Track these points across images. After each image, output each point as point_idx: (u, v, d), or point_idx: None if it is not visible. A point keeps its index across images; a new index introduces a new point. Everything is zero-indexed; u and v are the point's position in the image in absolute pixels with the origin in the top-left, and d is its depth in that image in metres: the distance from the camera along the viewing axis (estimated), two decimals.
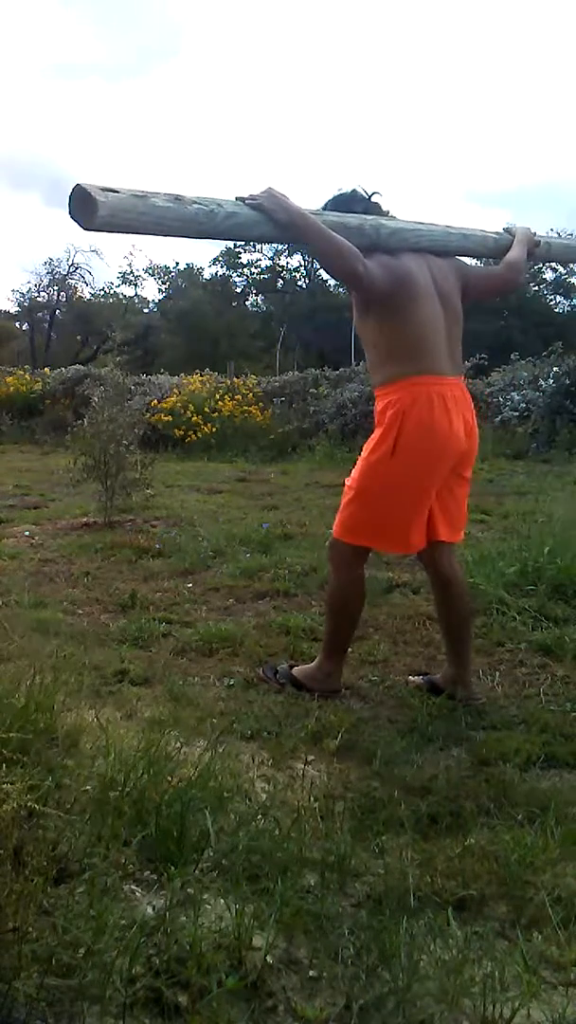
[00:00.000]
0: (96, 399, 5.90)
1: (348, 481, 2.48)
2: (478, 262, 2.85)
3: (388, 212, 2.57)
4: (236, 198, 2.15)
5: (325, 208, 2.48)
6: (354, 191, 2.53)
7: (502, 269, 2.66)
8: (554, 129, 54.86)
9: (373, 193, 2.52)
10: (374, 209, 2.49)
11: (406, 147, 56.04)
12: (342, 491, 2.51)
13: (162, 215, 1.94)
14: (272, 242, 2.30)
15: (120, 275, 35.92)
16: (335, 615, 2.55)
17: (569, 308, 27.09)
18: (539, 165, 55.67)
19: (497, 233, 2.72)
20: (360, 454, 2.46)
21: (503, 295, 2.84)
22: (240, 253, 31.28)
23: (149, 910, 1.35)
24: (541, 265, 26.45)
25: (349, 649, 2.66)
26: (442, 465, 2.36)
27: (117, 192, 1.88)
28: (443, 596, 2.57)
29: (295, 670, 2.58)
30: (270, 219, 2.16)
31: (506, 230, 2.75)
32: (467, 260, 2.76)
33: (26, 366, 18.07)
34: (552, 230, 21.03)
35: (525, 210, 47.02)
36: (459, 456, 2.39)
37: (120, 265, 44.22)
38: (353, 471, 2.47)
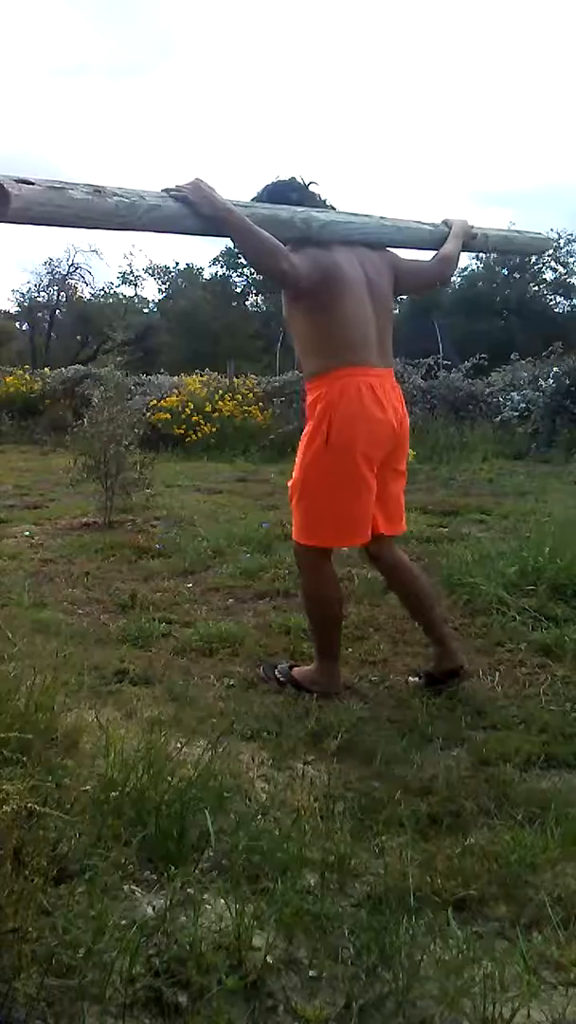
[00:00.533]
0: (96, 399, 5.89)
1: (290, 483, 2.48)
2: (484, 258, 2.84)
3: (326, 201, 2.57)
4: (162, 190, 2.12)
5: (261, 195, 2.48)
6: (292, 179, 2.54)
7: (435, 263, 2.67)
8: (558, 131, 54.85)
9: (310, 183, 2.53)
10: (309, 199, 2.49)
11: (412, 147, 56.09)
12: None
13: (81, 207, 1.91)
14: (198, 235, 2.27)
15: (120, 275, 35.89)
16: (314, 617, 2.57)
17: (569, 308, 27.00)
18: (543, 166, 55.70)
19: (432, 225, 2.71)
20: (297, 453, 2.45)
21: (436, 288, 2.84)
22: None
23: (149, 910, 1.35)
24: (541, 264, 26.40)
25: (349, 649, 2.65)
26: (376, 450, 2.36)
27: (32, 184, 1.84)
28: (396, 581, 2.60)
29: (295, 671, 2.58)
30: (195, 212, 2.12)
31: (444, 222, 2.74)
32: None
33: (26, 366, 18.01)
34: (553, 230, 21.05)
35: (529, 210, 46.87)
36: (392, 443, 2.41)
37: (120, 265, 44.26)
38: (293, 471, 2.47)
